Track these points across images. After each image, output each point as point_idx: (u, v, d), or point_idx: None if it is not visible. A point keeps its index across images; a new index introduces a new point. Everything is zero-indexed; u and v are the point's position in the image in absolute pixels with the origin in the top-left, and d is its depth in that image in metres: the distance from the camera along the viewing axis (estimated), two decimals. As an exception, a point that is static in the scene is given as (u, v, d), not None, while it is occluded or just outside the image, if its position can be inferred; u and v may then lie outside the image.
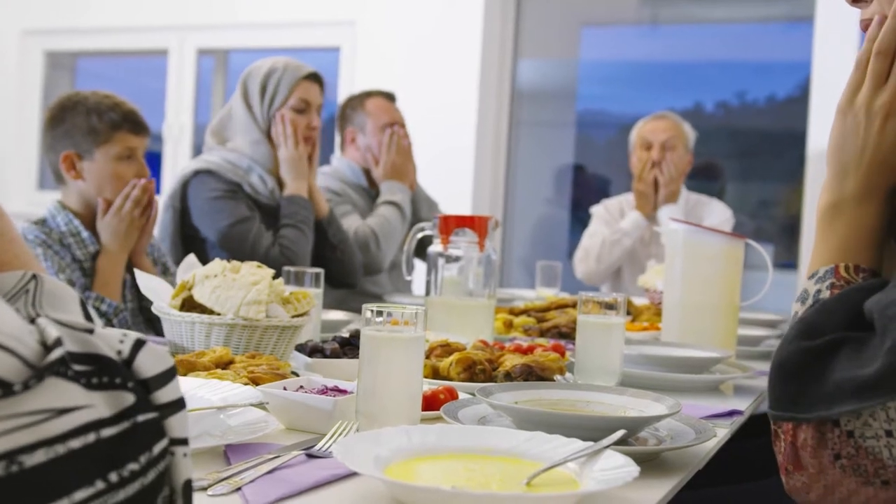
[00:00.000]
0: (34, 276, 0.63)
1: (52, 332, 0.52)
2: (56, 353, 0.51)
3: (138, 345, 0.55)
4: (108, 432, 0.51)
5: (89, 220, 2.20)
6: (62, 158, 2.16)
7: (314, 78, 2.68)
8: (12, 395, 0.48)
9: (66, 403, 0.50)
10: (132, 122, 2.19)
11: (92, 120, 2.14)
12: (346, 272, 2.73)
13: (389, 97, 3.25)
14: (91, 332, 0.54)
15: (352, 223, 2.93)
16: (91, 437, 0.50)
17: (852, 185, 0.99)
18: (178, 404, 0.56)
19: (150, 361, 0.55)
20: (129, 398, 0.53)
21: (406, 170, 3.11)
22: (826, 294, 0.94)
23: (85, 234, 2.17)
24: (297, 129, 2.62)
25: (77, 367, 0.51)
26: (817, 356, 0.86)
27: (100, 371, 0.52)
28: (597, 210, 3.61)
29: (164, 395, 0.55)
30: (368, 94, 3.24)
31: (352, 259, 2.75)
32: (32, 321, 0.54)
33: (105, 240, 2.17)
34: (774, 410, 0.88)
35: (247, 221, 2.52)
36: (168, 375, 0.56)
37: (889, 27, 0.97)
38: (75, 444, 0.49)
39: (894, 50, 0.98)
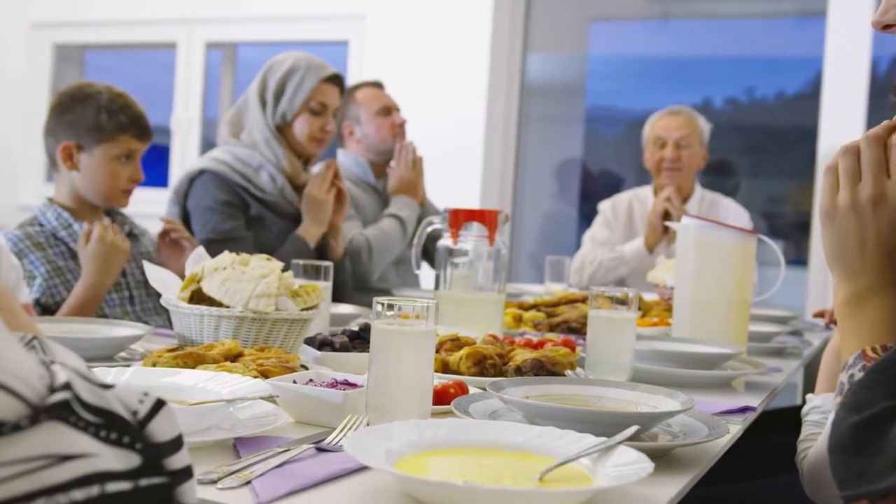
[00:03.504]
0: (34, 337, 0.61)
1: (62, 376, 0.50)
2: (58, 396, 0.48)
3: (158, 405, 0.53)
4: (112, 487, 0.48)
5: (80, 213, 2.19)
6: (61, 148, 2.14)
7: (335, 80, 2.66)
8: (2, 437, 0.45)
9: (67, 450, 0.47)
10: (139, 127, 2.17)
11: (101, 117, 2.12)
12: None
13: (377, 85, 3.24)
14: (110, 387, 0.52)
15: (349, 230, 2.93)
16: (95, 490, 0.47)
17: (864, 279, 0.99)
18: (188, 472, 0.54)
19: (166, 425, 0.53)
20: (135, 459, 0.51)
21: (416, 185, 3.10)
22: (859, 376, 0.92)
23: (76, 225, 2.15)
24: (314, 131, 2.62)
25: (87, 416, 0.49)
26: (872, 427, 0.81)
27: (109, 426, 0.50)
28: (603, 208, 3.57)
29: (176, 462, 0.53)
30: (356, 87, 3.23)
31: (341, 290, 2.75)
32: (48, 367, 0.51)
33: (86, 268, 2.06)
34: (845, 491, 0.81)
35: (227, 242, 2.46)
36: (179, 442, 0.54)
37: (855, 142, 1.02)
38: (78, 495, 0.46)
39: (858, 148, 1.00)
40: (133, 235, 2.32)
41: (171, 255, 2.30)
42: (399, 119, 3.15)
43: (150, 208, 3.50)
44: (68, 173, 2.16)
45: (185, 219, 2.61)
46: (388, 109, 3.15)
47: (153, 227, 2.51)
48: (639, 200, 3.54)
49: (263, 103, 2.63)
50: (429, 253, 3.02)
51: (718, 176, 4.49)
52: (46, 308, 2.06)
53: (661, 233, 3.27)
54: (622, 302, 1.48)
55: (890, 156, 1.00)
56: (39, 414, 0.47)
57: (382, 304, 1.11)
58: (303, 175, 2.67)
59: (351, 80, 4.58)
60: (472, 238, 1.90)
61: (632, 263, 3.33)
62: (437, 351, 1.49)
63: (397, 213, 3.02)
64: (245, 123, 2.67)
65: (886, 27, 1.02)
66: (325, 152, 2.82)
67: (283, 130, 2.64)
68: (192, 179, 2.60)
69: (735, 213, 3.42)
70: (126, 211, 2.36)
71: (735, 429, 1.26)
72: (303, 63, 2.61)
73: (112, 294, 2.17)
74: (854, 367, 0.94)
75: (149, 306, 2.24)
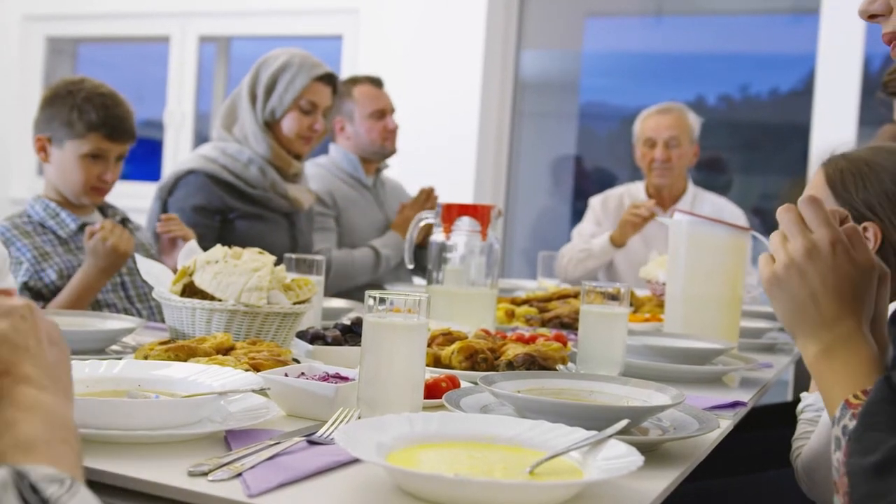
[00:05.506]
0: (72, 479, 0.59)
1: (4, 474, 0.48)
2: None
3: None
4: None
5: (66, 205, 2.23)
6: (35, 139, 2.21)
7: (328, 79, 2.65)
8: None
9: None
10: (111, 128, 2.17)
11: (73, 115, 2.15)
12: None
13: (376, 83, 3.19)
14: None
15: (320, 243, 2.91)
16: None
17: (828, 333, 1.00)
18: None
19: None
20: None
21: None
22: (852, 424, 0.91)
23: (63, 213, 2.19)
24: (302, 129, 2.62)
25: None
26: (892, 465, 0.80)
27: None
28: (593, 203, 3.56)
29: None
30: (355, 81, 3.19)
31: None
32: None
33: (86, 261, 2.08)
34: None
35: None
36: None
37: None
38: None
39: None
40: (125, 225, 2.33)
41: (168, 250, 2.31)
42: (392, 124, 3.13)
43: (141, 203, 3.48)
44: (45, 166, 2.23)
45: None
46: (383, 112, 3.12)
47: (144, 222, 2.51)
48: (630, 196, 3.53)
49: (254, 98, 2.62)
50: (421, 263, 3.00)
51: (711, 172, 4.50)
52: (36, 292, 2.08)
53: (629, 235, 3.26)
54: (614, 297, 1.49)
55: (804, 214, 1.05)
56: None
57: (374, 298, 1.11)
58: (294, 165, 2.67)
59: (344, 76, 4.58)
60: (464, 233, 1.91)
61: (600, 257, 3.32)
62: (429, 345, 1.49)
63: (379, 248, 2.99)
64: (238, 116, 2.66)
65: (872, 16, 1.03)
66: (317, 149, 2.82)
67: (271, 126, 2.63)
68: (178, 179, 2.59)
69: (731, 212, 3.39)
70: (117, 205, 2.38)
71: (725, 424, 1.26)
72: (296, 60, 2.60)
73: None
74: (844, 419, 0.94)
75: (143, 291, 2.27)
